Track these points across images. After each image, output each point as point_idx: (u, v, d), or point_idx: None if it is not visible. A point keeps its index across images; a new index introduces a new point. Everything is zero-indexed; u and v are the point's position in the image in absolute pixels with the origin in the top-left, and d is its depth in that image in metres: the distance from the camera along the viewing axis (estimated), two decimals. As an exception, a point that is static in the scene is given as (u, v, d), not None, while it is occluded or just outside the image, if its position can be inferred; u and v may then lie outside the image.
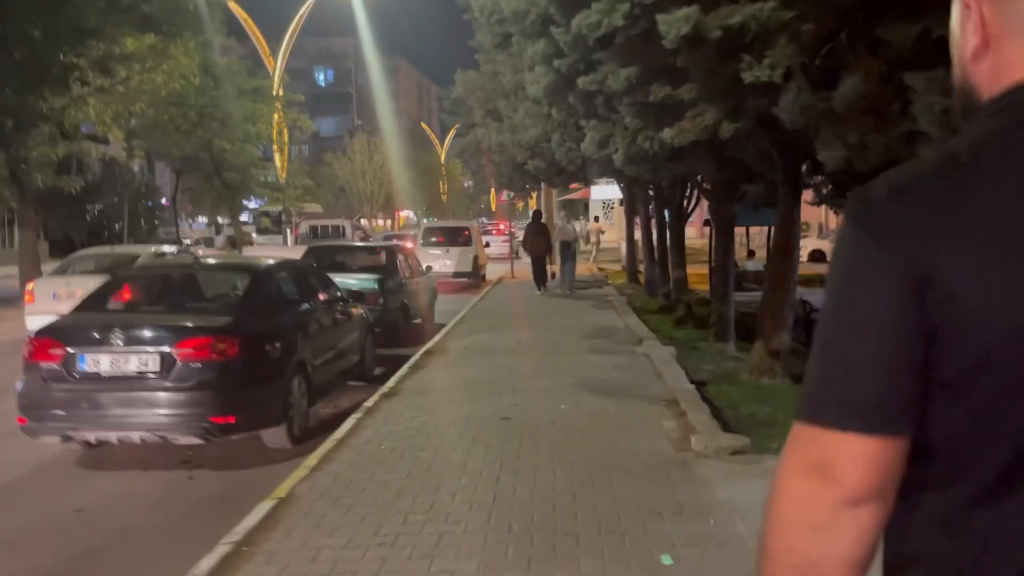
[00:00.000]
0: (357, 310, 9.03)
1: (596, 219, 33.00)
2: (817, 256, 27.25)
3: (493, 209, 62.09)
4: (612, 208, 46.15)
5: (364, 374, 9.01)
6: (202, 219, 45.59)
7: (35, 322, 9.30)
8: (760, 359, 9.28)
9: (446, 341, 10.95)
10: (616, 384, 7.34)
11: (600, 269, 26.07)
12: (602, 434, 5.71)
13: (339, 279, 11.22)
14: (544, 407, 6.55)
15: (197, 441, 5.63)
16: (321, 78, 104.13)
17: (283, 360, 6.35)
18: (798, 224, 9.64)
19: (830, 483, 0.82)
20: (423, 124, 63.98)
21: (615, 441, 5.51)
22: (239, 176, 27.73)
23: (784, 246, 9.34)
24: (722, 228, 12.04)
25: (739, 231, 19.99)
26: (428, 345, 10.47)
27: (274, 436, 6.23)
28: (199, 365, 5.62)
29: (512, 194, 23.25)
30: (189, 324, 5.87)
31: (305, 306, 7.36)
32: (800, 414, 0.86)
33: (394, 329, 11.59)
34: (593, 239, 29.40)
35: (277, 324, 6.48)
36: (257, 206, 45.81)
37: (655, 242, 17.58)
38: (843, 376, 0.83)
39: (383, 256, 12.17)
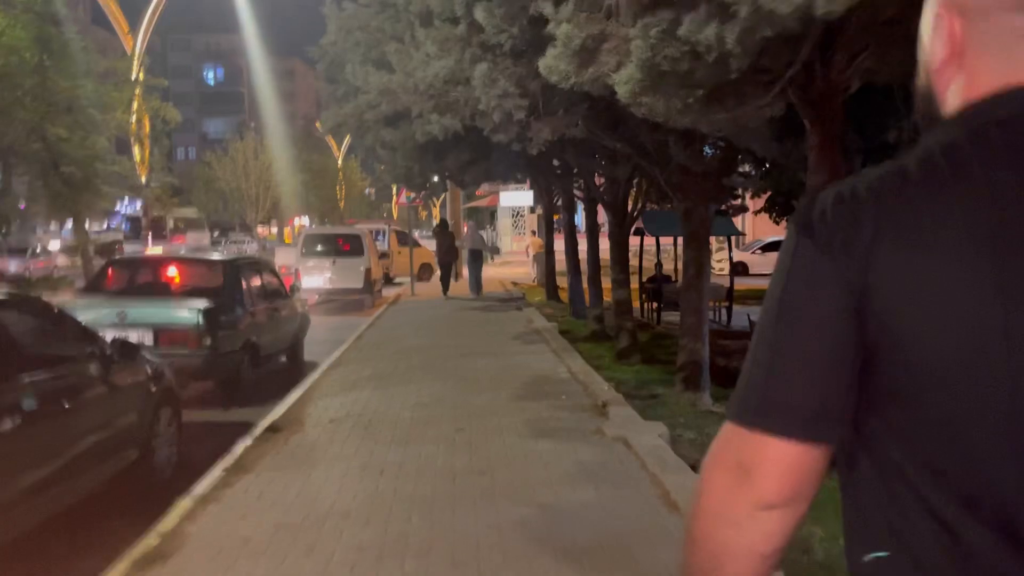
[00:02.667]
0: (138, 370, 5.29)
1: (534, 233, 29.29)
2: (739, 269, 24.46)
3: (395, 216, 58.05)
4: (523, 217, 42.92)
5: (155, 475, 5.35)
6: (56, 225, 39.59)
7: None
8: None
9: (308, 402, 7.27)
10: (600, 534, 3.83)
11: (514, 284, 22.77)
12: None
13: (142, 309, 7.45)
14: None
15: None
16: (210, 76, 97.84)
17: None
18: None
19: (747, 484, 0.84)
20: (317, 123, 58.95)
21: None
22: (80, 172, 22.88)
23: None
24: (696, 237, 8.82)
25: (649, 241, 17.21)
26: (276, 413, 6.77)
27: None
28: None
29: (412, 195, 19.56)
30: None
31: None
32: (729, 412, 0.87)
33: (234, 381, 7.83)
34: (534, 252, 25.52)
35: None
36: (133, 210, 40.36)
37: (584, 254, 14.39)
38: (773, 380, 0.84)
39: (219, 273, 8.33)
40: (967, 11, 0.84)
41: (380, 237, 25.02)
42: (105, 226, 51.50)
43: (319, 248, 18.32)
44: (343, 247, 18.10)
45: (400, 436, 5.81)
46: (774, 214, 15.88)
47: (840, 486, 0.88)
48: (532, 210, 35.47)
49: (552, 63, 3.60)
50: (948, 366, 0.76)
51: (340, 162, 57.87)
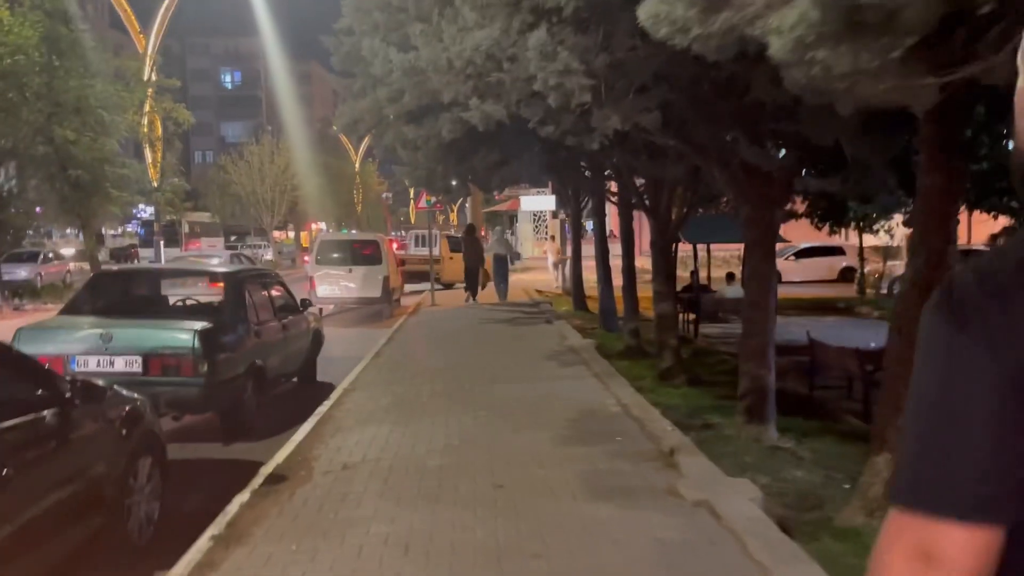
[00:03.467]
0: (106, 415, 4.29)
1: (553, 238, 27.80)
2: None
3: (412, 221, 57.19)
4: (544, 221, 41.84)
5: (129, 541, 4.37)
6: (73, 230, 38.94)
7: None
8: (887, 487, 5.06)
9: (318, 439, 6.24)
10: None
11: (539, 292, 21.73)
12: None
13: (130, 331, 6.47)
14: None
15: None
16: (228, 80, 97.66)
17: None
18: (954, 245, 5.41)
19: (935, 570, 0.81)
20: (334, 126, 58.07)
21: None
22: (88, 175, 22.13)
23: (931, 283, 5.10)
24: (760, 245, 7.73)
25: (684, 248, 16.17)
26: (280, 455, 5.76)
27: None
28: None
29: (432, 199, 18.57)
30: None
31: None
32: (900, 499, 0.85)
33: (236, 411, 6.85)
34: (553, 259, 24.25)
35: None
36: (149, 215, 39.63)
37: (615, 262, 13.30)
38: (948, 466, 0.83)
39: (221, 289, 7.34)
40: None
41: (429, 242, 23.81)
42: (120, 231, 50.90)
43: (335, 255, 17.42)
44: (360, 254, 17.18)
45: (427, 492, 4.78)
46: (815, 219, 14.78)
47: None
48: (554, 215, 34.38)
49: (660, 9, 2.53)
50: None
51: (357, 166, 57.03)
